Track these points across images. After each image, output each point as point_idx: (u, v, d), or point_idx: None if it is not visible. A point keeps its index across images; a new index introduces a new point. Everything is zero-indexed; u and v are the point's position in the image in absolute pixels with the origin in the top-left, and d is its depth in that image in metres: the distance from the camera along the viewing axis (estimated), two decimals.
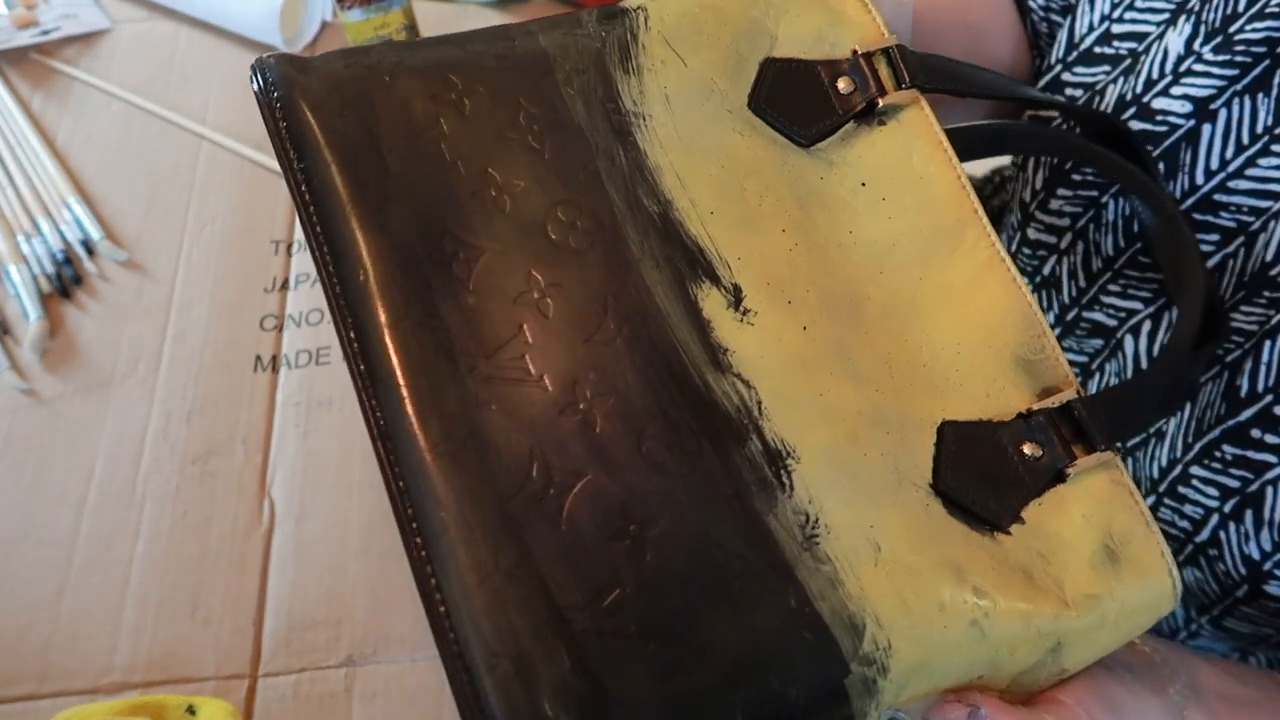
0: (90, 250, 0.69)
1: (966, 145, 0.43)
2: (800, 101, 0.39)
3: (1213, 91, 0.49)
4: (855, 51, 0.40)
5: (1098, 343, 0.56)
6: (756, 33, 0.40)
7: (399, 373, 0.31)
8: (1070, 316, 0.57)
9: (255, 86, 0.35)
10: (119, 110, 0.78)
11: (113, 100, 0.78)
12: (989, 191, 0.82)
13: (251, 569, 0.55)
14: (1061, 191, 0.55)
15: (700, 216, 0.36)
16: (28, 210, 0.71)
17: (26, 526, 0.57)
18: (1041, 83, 0.58)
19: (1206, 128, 0.49)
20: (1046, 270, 0.57)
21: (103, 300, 0.67)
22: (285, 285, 0.67)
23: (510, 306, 0.33)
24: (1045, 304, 0.58)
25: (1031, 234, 0.58)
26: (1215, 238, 0.49)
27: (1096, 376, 0.57)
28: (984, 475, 0.34)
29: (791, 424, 0.33)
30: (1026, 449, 0.35)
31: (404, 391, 0.31)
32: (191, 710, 0.47)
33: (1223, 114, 0.48)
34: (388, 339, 0.31)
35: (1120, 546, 0.34)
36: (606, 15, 0.39)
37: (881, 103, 0.39)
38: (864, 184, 0.38)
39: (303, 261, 0.68)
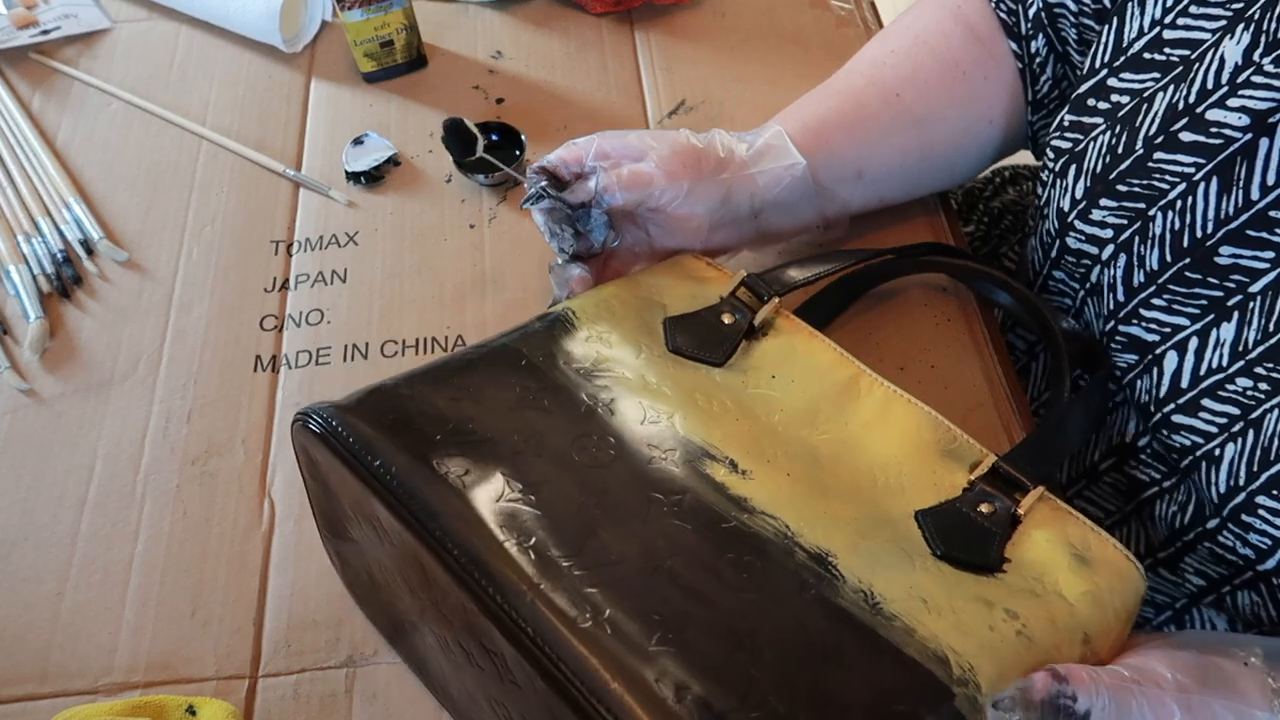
0: (90, 250, 0.69)
1: (832, 306, 0.61)
2: (702, 338, 0.51)
3: (1272, 104, 0.47)
4: (721, 296, 0.53)
5: (1131, 358, 0.54)
6: (651, 306, 0.53)
7: (521, 582, 0.38)
8: (1107, 328, 0.55)
9: (314, 427, 0.43)
10: (119, 110, 0.78)
11: (112, 100, 0.78)
12: (989, 192, 0.82)
13: (251, 569, 0.55)
14: (1105, 202, 0.53)
15: (674, 422, 0.46)
16: (28, 210, 0.71)
17: (26, 526, 0.57)
18: (1084, 87, 0.56)
19: (1264, 142, 0.47)
20: (1093, 278, 0.56)
21: (103, 300, 0.67)
22: (285, 285, 0.67)
23: (575, 516, 0.41)
24: (1095, 311, 0.57)
25: (1071, 243, 0.56)
26: (1270, 255, 0.47)
27: (1126, 392, 0.55)
28: (964, 539, 0.43)
29: (818, 535, 0.42)
30: (983, 509, 0.44)
31: (530, 593, 0.37)
32: (192, 710, 0.47)
33: None
34: (500, 560, 0.39)
35: (1084, 551, 0.43)
36: (544, 319, 0.51)
37: (757, 320, 0.52)
38: (774, 376, 0.50)
39: (303, 262, 0.68)
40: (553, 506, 0.41)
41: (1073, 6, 0.59)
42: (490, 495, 0.41)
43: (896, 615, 0.39)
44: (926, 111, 0.61)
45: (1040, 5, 0.60)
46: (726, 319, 0.52)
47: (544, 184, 0.54)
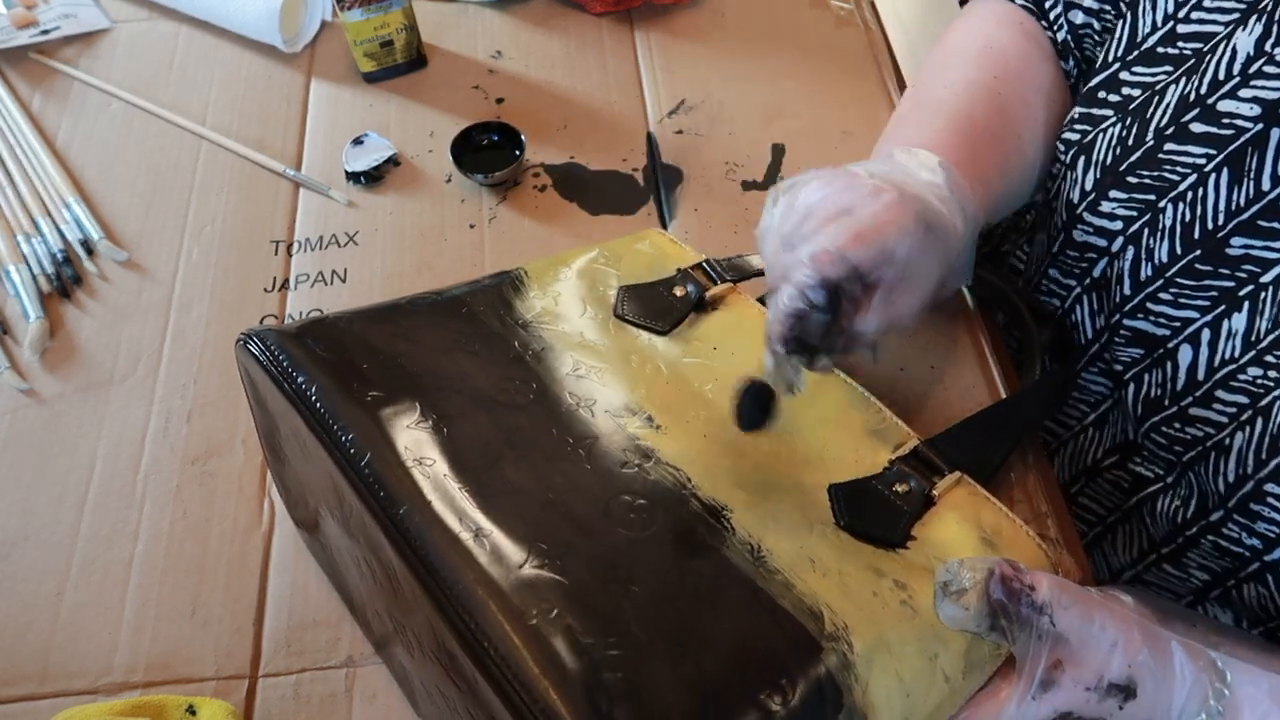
0: (90, 250, 0.69)
1: None
2: (651, 307, 0.52)
3: None
4: (679, 270, 0.54)
5: (1136, 352, 0.54)
6: (604, 275, 0.54)
7: (413, 497, 0.40)
8: (1113, 321, 0.55)
9: (253, 349, 0.45)
10: (119, 110, 0.78)
11: (112, 100, 0.78)
12: None
13: (251, 569, 0.55)
14: (1115, 194, 0.53)
15: (600, 377, 0.48)
16: (28, 210, 0.71)
17: (26, 526, 0.57)
18: (1095, 80, 0.56)
19: (1275, 132, 0.47)
20: (1096, 273, 0.56)
21: (103, 300, 0.67)
22: (285, 285, 0.67)
23: (483, 448, 0.43)
24: (1096, 305, 0.57)
25: (1078, 236, 0.56)
26: None
27: (1131, 387, 0.55)
28: (874, 514, 0.44)
29: (718, 490, 0.43)
30: (898, 488, 0.45)
31: (419, 509, 0.39)
32: (192, 710, 0.47)
33: None
34: (399, 475, 0.41)
35: (994, 537, 0.44)
36: (495, 276, 0.53)
37: (709, 295, 0.53)
38: (715, 348, 0.51)
39: (302, 262, 0.68)
40: (461, 437, 0.43)
41: (1097, 25, 0.59)
42: (403, 421, 0.43)
43: (779, 570, 0.40)
44: (1034, 156, 0.60)
45: (1067, 29, 0.60)
46: (678, 291, 0.53)
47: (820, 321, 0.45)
